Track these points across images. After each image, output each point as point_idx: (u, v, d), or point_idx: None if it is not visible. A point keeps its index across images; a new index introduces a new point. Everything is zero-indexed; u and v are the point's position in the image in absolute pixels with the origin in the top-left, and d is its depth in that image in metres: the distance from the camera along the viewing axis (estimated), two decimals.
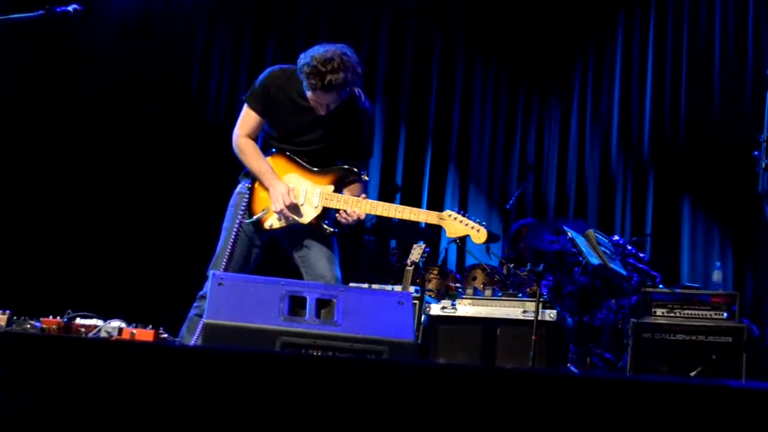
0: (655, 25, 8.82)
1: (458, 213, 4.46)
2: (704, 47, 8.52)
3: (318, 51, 4.33)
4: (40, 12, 4.73)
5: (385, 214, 4.52)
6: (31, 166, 7.87)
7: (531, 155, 9.20)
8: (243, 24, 9.31)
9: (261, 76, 4.62)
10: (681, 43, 8.65)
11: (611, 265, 6.30)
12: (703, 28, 8.57)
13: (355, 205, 4.46)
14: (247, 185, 4.60)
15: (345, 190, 4.58)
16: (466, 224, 4.44)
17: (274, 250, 4.76)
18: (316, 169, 4.57)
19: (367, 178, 4.65)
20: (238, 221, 4.54)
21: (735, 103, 8.23)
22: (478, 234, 4.43)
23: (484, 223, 4.47)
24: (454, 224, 4.45)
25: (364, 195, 4.54)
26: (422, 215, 4.54)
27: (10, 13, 4.65)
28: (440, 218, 4.46)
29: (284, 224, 4.54)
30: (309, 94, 4.39)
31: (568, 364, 6.17)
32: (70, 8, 4.78)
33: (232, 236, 4.53)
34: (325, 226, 4.53)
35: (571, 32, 9.21)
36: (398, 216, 4.52)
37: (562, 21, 9.19)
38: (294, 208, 4.48)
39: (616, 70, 8.96)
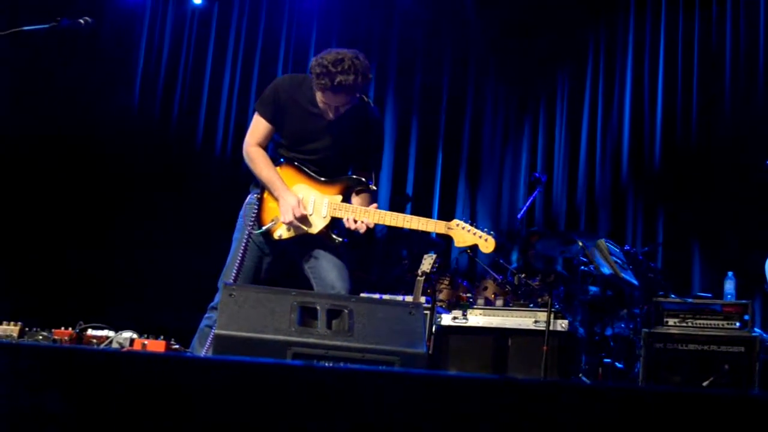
0: (666, 33, 8.81)
1: (466, 222, 4.45)
2: (715, 55, 8.51)
3: (330, 52, 4.36)
4: (51, 24, 4.75)
5: (393, 224, 4.51)
6: (43, 182, 7.89)
7: (541, 166, 9.17)
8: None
9: (271, 84, 4.64)
10: (692, 51, 8.64)
11: (623, 275, 6.28)
12: (714, 33, 8.55)
13: (364, 215, 4.45)
14: (256, 195, 4.60)
15: (354, 200, 4.58)
16: (474, 233, 4.43)
17: (285, 261, 4.75)
18: (324, 179, 4.57)
19: (375, 187, 4.64)
20: (247, 232, 4.54)
21: (747, 111, 8.22)
22: (487, 243, 4.42)
23: (492, 233, 4.45)
24: (463, 233, 4.43)
25: (375, 205, 4.54)
26: (431, 225, 4.52)
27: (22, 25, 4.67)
28: (448, 228, 4.45)
29: (293, 234, 4.53)
30: (318, 95, 4.41)
31: (580, 375, 6.15)
32: (81, 20, 4.79)
33: (242, 247, 4.52)
34: (333, 236, 4.53)
35: (581, 40, 9.20)
36: (407, 226, 4.50)
37: (571, 31, 9.19)
38: (303, 220, 4.48)
39: (627, 79, 8.94)
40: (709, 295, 6.54)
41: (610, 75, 9.07)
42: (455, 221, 4.45)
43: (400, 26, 9.56)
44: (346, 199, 4.55)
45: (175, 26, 9.10)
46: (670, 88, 8.68)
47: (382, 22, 9.54)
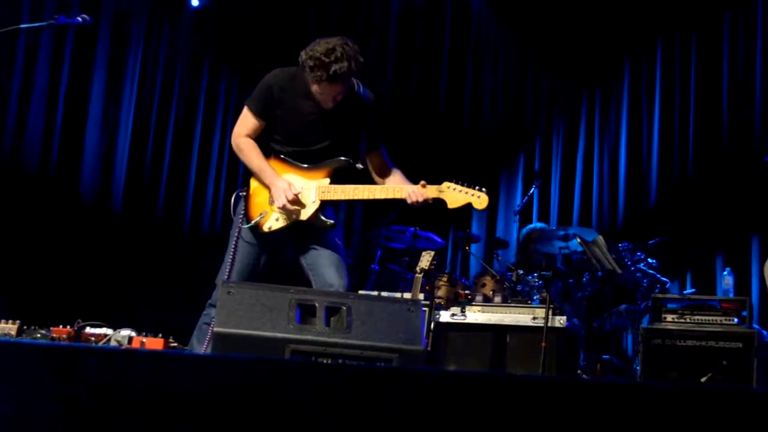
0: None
1: (456, 183, 4.43)
2: (713, 66, 8.55)
3: (320, 43, 4.35)
4: (48, 22, 4.73)
5: (383, 197, 4.51)
6: (43, 182, 7.88)
7: (539, 165, 9.18)
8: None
9: (263, 79, 4.62)
10: (689, 57, 8.67)
11: (621, 271, 6.28)
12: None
13: (354, 192, 4.47)
14: (242, 193, 4.61)
15: (388, 180, 4.62)
16: (466, 192, 4.41)
17: (282, 258, 4.75)
18: (306, 165, 4.56)
19: (360, 166, 4.61)
20: (237, 228, 4.55)
21: (743, 114, 8.27)
22: (479, 200, 4.40)
23: (484, 189, 4.43)
24: (454, 194, 4.42)
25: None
26: (428, 191, 4.48)
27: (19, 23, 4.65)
28: (440, 191, 4.43)
29: (283, 224, 4.52)
30: (314, 87, 4.39)
31: (578, 371, 6.16)
32: (79, 18, 4.77)
33: (233, 244, 4.53)
34: (323, 219, 4.52)
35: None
36: (397, 196, 4.48)
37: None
38: (296, 203, 4.47)
39: (624, 85, 8.98)
40: (707, 291, 6.56)
41: (608, 79, 9.10)
42: (446, 183, 4.44)
43: (398, 16, 9.56)
44: (335, 181, 4.55)
45: (171, 29, 9.04)
46: (667, 93, 8.72)
47: (381, 20, 9.54)
